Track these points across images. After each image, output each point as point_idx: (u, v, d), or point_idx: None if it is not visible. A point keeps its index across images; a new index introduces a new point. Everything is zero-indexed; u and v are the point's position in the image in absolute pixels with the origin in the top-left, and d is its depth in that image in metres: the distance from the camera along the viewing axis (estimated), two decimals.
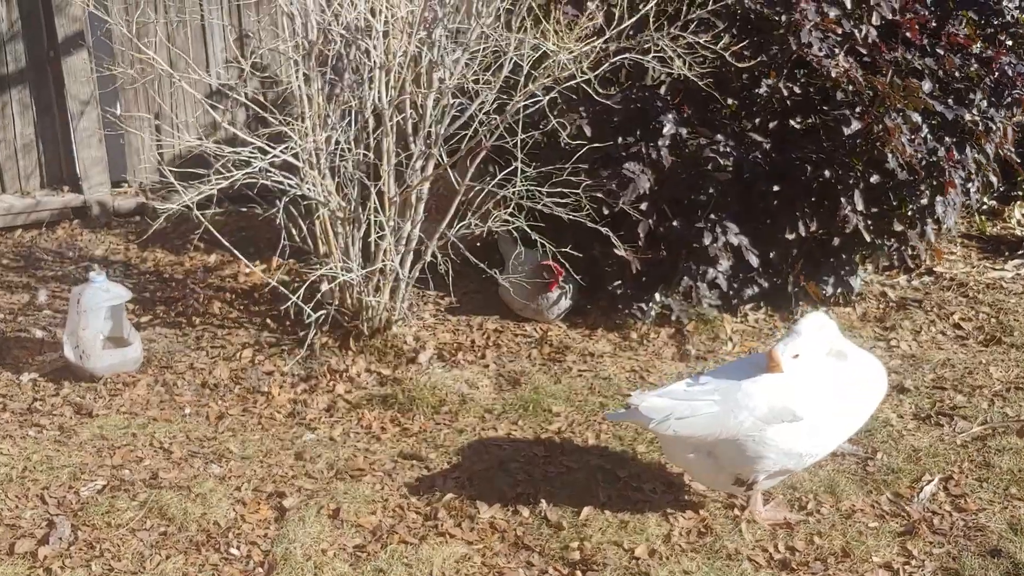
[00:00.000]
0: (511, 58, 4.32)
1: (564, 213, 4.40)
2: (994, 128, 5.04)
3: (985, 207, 6.26)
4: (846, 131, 4.59)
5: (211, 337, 4.87)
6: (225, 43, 6.24)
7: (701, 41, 4.28)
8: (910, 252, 5.22)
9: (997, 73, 4.95)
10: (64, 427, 4.13)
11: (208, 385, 4.49)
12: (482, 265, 4.71)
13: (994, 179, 5.24)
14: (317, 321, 4.50)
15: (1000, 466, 3.80)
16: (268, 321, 4.99)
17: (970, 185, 5.17)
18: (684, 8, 4.51)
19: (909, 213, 5.06)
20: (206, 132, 6.26)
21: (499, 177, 4.57)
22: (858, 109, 4.68)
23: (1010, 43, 5.35)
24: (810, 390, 3.32)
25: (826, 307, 5.18)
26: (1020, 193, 6.34)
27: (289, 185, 4.34)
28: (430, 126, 4.54)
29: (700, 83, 4.41)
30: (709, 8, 4.50)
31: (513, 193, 4.50)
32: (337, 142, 4.48)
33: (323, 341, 4.75)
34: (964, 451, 3.91)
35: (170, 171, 4.83)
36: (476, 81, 4.44)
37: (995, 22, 5.31)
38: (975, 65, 5.00)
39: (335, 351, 4.74)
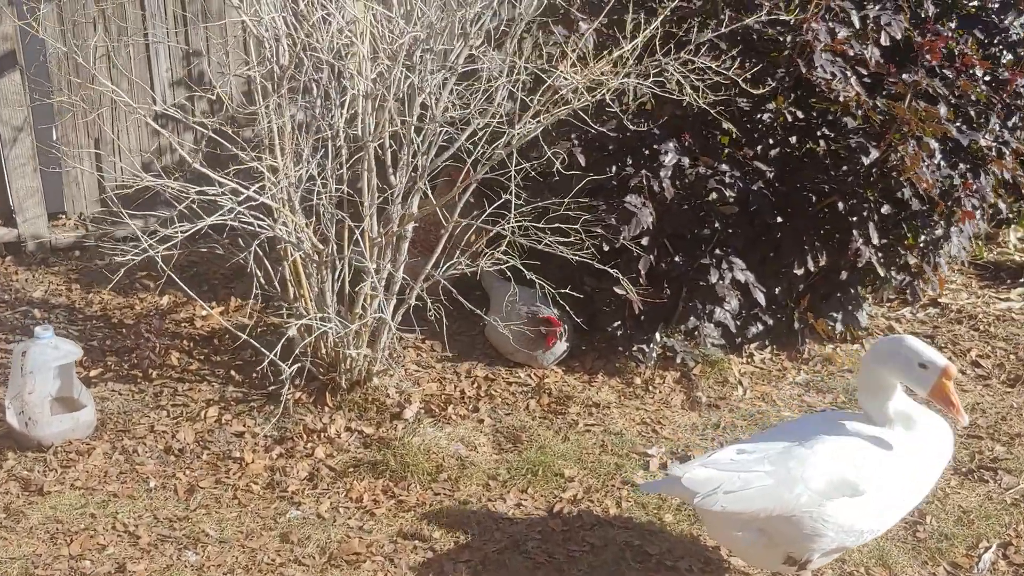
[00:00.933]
0: (505, 85, 3.91)
1: (567, 253, 3.99)
2: (1007, 153, 4.78)
3: (981, 232, 6.03)
4: (865, 160, 4.28)
5: (171, 393, 4.36)
6: (171, 63, 5.71)
7: (713, 67, 3.93)
8: (922, 285, 4.94)
9: (1012, 95, 4.68)
10: (10, 508, 3.60)
11: (173, 451, 3.99)
12: (476, 310, 4.29)
13: (1003, 206, 4.99)
14: (290, 376, 4.03)
15: None
16: (232, 373, 4.50)
17: (977, 212, 4.91)
18: (692, 32, 4.16)
19: (921, 244, 4.77)
20: (148, 159, 5.75)
21: (489, 211, 4.16)
22: (873, 138, 4.37)
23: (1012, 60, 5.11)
24: (873, 460, 2.97)
25: (834, 345, 4.87)
26: (1012, 216, 6.12)
27: (261, 227, 3.86)
28: (414, 157, 4.11)
29: (712, 111, 4.05)
30: (715, 32, 4.15)
31: (506, 229, 4.08)
32: (312, 177, 4.02)
33: (296, 396, 4.28)
34: (1017, 511, 3.61)
35: (116, 202, 4.34)
36: (465, 107, 4.03)
37: (997, 41, 5.06)
38: (983, 87, 4.74)
39: (310, 407, 4.28)
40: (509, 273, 4.16)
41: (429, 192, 4.28)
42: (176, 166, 5.60)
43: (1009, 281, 5.61)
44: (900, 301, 5.32)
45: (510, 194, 3.98)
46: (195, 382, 4.44)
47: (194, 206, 3.56)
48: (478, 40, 4.07)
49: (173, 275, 4.05)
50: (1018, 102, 4.76)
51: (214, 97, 5.07)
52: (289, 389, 4.14)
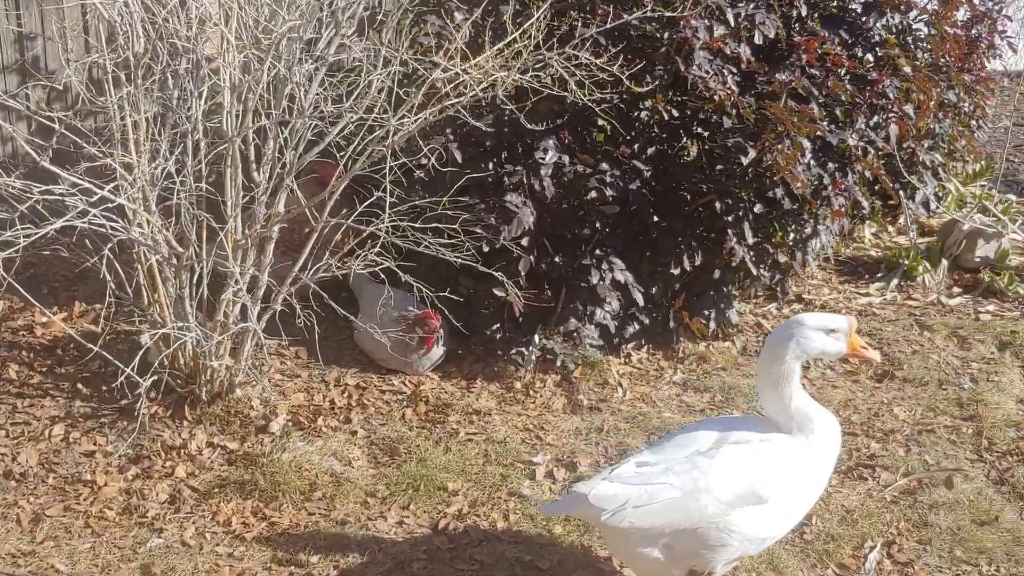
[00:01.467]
0: (380, 77, 3.69)
1: (449, 255, 3.80)
2: (871, 151, 4.88)
3: (845, 229, 6.17)
4: (743, 160, 4.26)
5: (9, 411, 3.95)
6: (2, 47, 5.20)
7: (597, 63, 3.81)
8: (790, 283, 4.99)
9: (878, 96, 4.77)
10: None
11: (14, 476, 3.60)
12: (347, 315, 4.05)
13: (866, 204, 5.10)
14: (146, 389, 3.70)
15: (938, 524, 3.56)
16: (79, 386, 4.12)
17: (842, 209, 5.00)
18: (575, 26, 4.04)
19: (791, 242, 4.82)
20: None
21: (360, 209, 3.92)
22: (750, 137, 4.36)
23: (872, 60, 5.22)
24: (776, 466, 2.91)
25: (707, 343, 4.86)
26: (867, 213, 6.30)
27: (114, 229, 3.51)
28: (281, 153, 3.84)
29: (594, 107, 3.93)
30: (600, 29, 4.04)
31: (380, 229, 3.86)
32: (169, 175, 3.70)
33: (152, 410, 3.95)
34: (897, 508, 3.65)
35: None
36: (337, 100, 3.79)
37: (860, 42, 5.16)
38: (849, 87, 4.81)
39: (167, 422, 3.96)
40: (382, 275, 3.95)
41: (297, 190, 4.02)
42: (9, 159, 5.10)
43: (867, 276, 5.75)
44: (765, 298, 5.38)
45: (383, 191, 3.76)
46: (37, 397, 4.03)
47: (39, 206, 3.20)
48: (350, 28, 3.83)
49: (7, 277, 3.66)
50: (883, 102, 4.85)
51: (60, 87, 4.62)
52: (144, 403, 3.81)
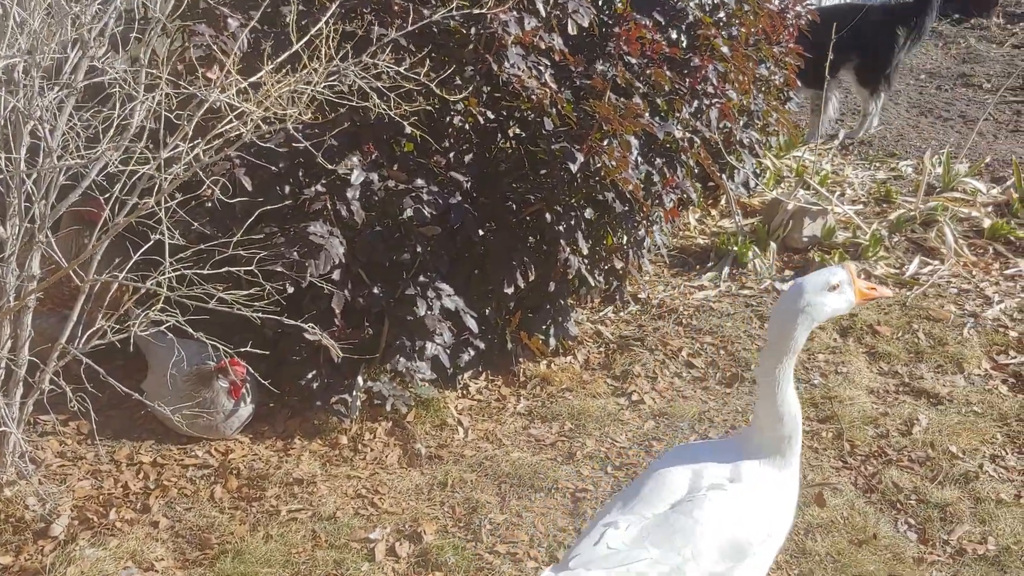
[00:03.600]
0: (144, 102, 3.06)
1: (246, 311, 3.22)
2: (698, 142, 4.60)
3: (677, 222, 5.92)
4: (572, 166, 3.86)
5: None
6: None
7: (401, 71, 3.31)
8: (627, 287, 4.67)
9: (700, 81, 4.48)
10: None
11: None
12: (131, 393, 3.40)
13: (694, 195, 4.83)
14: None
15: (817, 552, 3.29)
16: None
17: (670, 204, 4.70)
18: (372, 29, 3.51)
19: (625, 245, 4.48)
20: None
21: (136, 258, 3.28)
22: (576, 140, 3.97)
23: (686, 41, 4.94)
24: (755, 512, 2.52)
25: (547, 360, 4.48)
26: (687, 197, 6.08)
27: None
28: (29, 203, 3.15)
29: (404, 121, 3.42)
30: (401, 32, 3.53)
31: (162, 283, 3.23)
32: None
33: None
34: None
35: None
36: (93, 137, 3.13)
37: (676, 23, 4.86)
38: (669, 74, 4.49)
39: None
40: (168, 331, 3.34)
41: (54, 245, 3.33)
42: None
43: (698, 267, 5.52)
44: (601, 301, 5.05)
45: (161, 235, 3.13)
46: None
47: None
48: (101, 48, 3.17)
49: None
50: (705, 87, 4.57)
51: None
52: None
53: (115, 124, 3.05)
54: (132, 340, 3.67)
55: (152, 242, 3.16)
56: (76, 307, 3.30)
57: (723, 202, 6.20)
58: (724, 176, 5.70)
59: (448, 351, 4.04)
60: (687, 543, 2.43)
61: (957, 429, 3.97)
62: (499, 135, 4.23)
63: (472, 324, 4.05)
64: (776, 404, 2.55)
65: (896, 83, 8.31)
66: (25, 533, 3.30)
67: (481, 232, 4.12)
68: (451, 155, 4.11)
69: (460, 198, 4.02)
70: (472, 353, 4.25)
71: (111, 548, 3.23)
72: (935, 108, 8.40)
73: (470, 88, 3.89)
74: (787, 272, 5.42)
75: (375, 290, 3.90)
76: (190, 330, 3.26)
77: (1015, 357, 4.50)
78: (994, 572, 3.20)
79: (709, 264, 5.51)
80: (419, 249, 3.91)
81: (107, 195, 3.14)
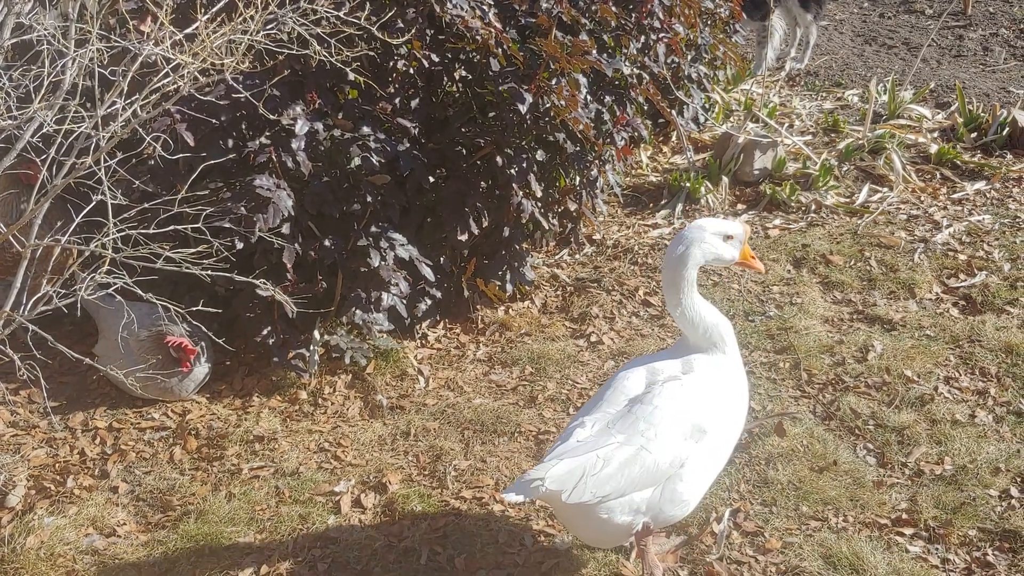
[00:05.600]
0: (76, 59, 2.94)
1: (195, 268, 3.14)
2: (646, 78, 4.55)
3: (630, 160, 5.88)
4: (521, 108, 3.80)
5: None
6: None
7: (340, 15, 3.21)
8: (582, 228, 4.64)
9: (647, 15, 4.42)
10: None
11: None
12: (78, 356, 3.32)
13: (644, 132, 4.78)
14: None
15: (779, 480, 3.33)
16: None
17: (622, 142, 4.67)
18: None
19: (577, 186, 4.45)
20: None
21: (78, 220, 3.18)
22: (524, 80, 3.90)
23: None
24: (708, 391, 2.79)
25: (505, 306, 4.45)
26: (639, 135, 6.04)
27: None
28: None
29: (345, 66, 3.34)
30: None
31: (106, 245, 3.14)
32: None
33: None
34: (734, 469, 3.40)
35: None
36: (24, 96, 3.01)
37: None
38: (615, 8, 4.43)
39: None
40: (116, 294, 3.26)
41: None
42: None
43: (651, 205, 5.51)
44: (556, 244, 5.02)
45: (102, 194, 3.03)
46: None
47: None
48: (27, 3, 3.04)
49: None
50: (652, 21, 4.52)
51: None
52: None
53: (47, 82, 2.94)
54: (79, 304, 3.59)
55: (94, 203, 3.06)
56: (19, 273, 3.20)
57: (674, 138, 6.18)
58: (674, 112, 5.67)
59: (404, 301, 4.00)
60: (650, 426, 2.66)
61: (911, 353, 4.02)
62: (445, 78, 4.15)
63: (428, 273, 4.00)
64: (695, 326, 2.86)
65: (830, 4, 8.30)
66: None
67: (432, 179, 4.06)
68: (397, 101, 4.02)
69: (408, 145, 3.95)
70: (429, 302, 4.21)
71: (71, 516, 3.18)
72: (879, 36, 8.41)
73: (412, 31, 3.80)
74: (739, 206, 5.43)
75: (327, 242, 3.83)
76: (139, 291, 3.18)
77: (964, 280, 4.56)
78: (951, 491, 3.26)
79: (663, 201, 5.50)
80: (369, 199, 3.84)
81: (43, 156, 3.03)
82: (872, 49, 8.10)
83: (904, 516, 3.17)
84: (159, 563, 3.00)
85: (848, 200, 5.39)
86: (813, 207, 5.30)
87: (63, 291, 3.19)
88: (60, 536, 3.06)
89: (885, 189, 5.48)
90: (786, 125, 6.27)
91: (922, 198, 5.38)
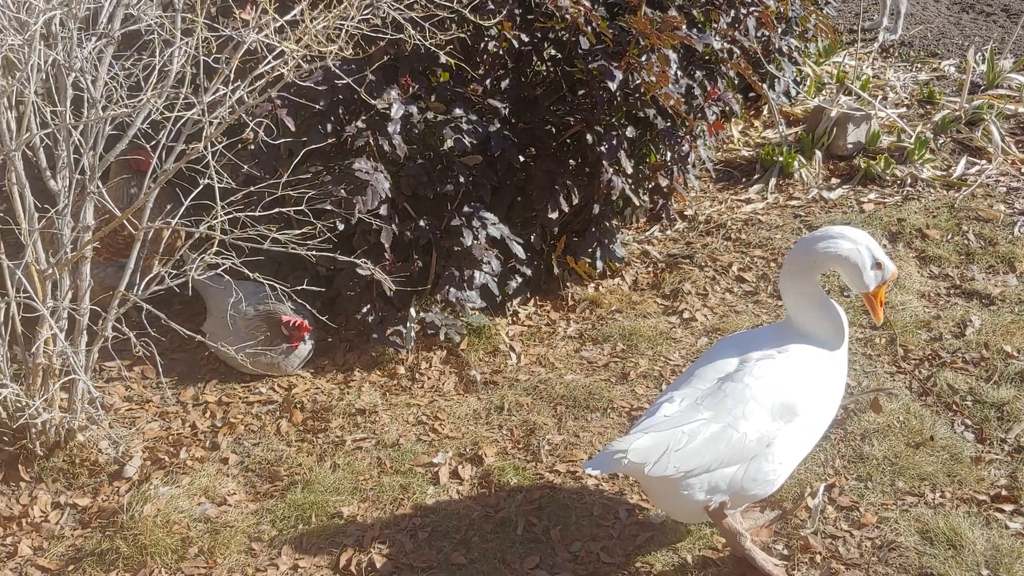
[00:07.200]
0: (183, 47, 3.07)
1: (300, 249, 3.26)
2: (737, 52, 4.53)
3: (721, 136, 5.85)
4: (611, 85, 3.83)
5: None
6: None
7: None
8: (673, 204, 4.65)
9: None
10: None
11: None
12: (191, 333, 3.47)
13: (736, 107, 4.76)
14: None
15: (874, 456, 3.32)
16: None
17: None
18: None
19: (668, 162, 4.46)
20: None
21: (187, 204, 3.32)
22: (613, 58, 3.92)
23: None
24: (802, 373, 2.76)
25: (595, 283, 4.50)
26: (730, 109, 6.00)
27: None
28: (78, 156, 3.20)
29: (439, 50, 3.42)
30: None
31: (215, 228, 3.27)
32: None
33: None
34: (829, 444, 3.39)
35: None
36: (135, 85, 3.16)
37: None
38: None
39: (0, 488, 3.35)
40: (224, 273, 3.40)
41: (105, 195, 3.38)
42: None
43: (744, 180, 5.47)
44: (647, 220, 5.04)
45: (209, 178, 3.17)
46: None
47: None
48: None
49: None
50: None
51: None
52: None
53: (156, 71, 3.08)
54: (190, 284, 3.76)
55: (202, 187, 3.20)
56: (132, 255, 3.37)
57: (765, 112, 6.11)
58: (765, 86, 5.61)
59: (496, 279, 4.08)
60: (738, 404, 2.65)
61: (1011, 328, 3.94)
62: (535, 58, 4.19)
63: (518, 251, 4.07)
64: (806, 322, 2.82)
65: None
66: (100, 476, 3.42)
67: (522, 158, 4.12)
68: (487, 82, 4.09)
69: (499, 125, 4.02)
70: (520, 280, 4.28)
71: (184, 486, 3.34)
72: (976, 3, 8.15)
73: (503, 12, 3.86)
74: (833, 180, 5.36)
75: (421, 222, 3.93)
76: (246, 271, 3.32)
77: None
78: None
79: (755, 176, 5.46)
80: (462, 179, 3.92)
81: (153, 143, 3.18)
82: (969, 17, 7.86)
83: (1004, 492, 3.14)
84: (268, 530, 3.14)
85: (944, 173, 5.28)
86: (909, 181, 5.21)
87: (174, 271, 3.35)
88: (174, 505, 3.22)
89: (983, 162, 5.35)
90: (880, 97, 6.15)
91: (1022, 170, 5.24)
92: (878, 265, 2.78)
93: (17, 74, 2.94)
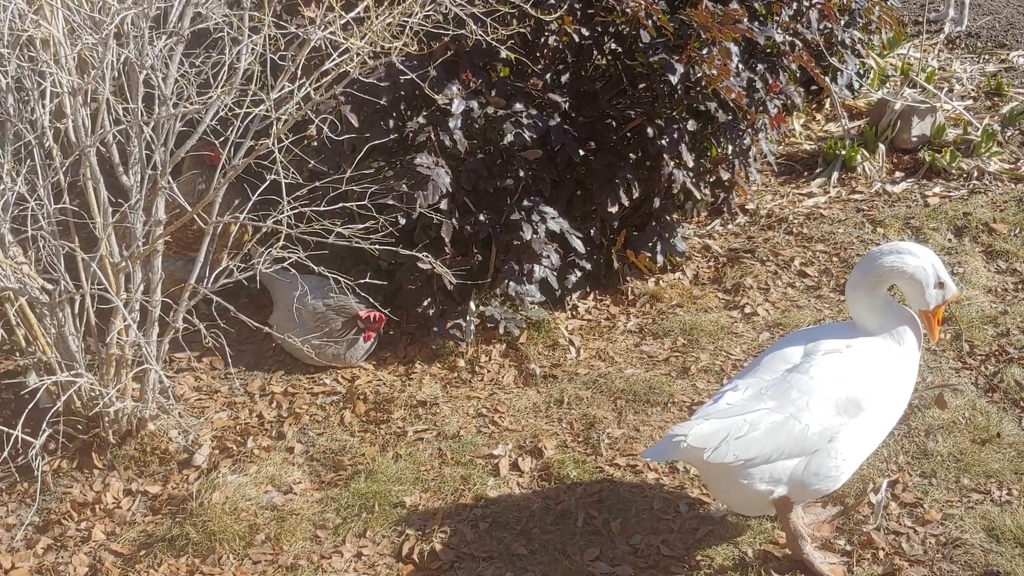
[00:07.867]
0: (250, 45, 3.14)
1: (364, 244, 3.32)
2: (799, 45, 4.49)
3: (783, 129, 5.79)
4: (672, 78, 3.82)
5: None
6: None
7: None
8: (735, 198, 4.63)
9: None
10: None
11: None
12: (258, 325, 3.55)
13: (798, 100, 4.72)
14: (43, 446, 3.20)
15: (939, 452, 3.28)
16: None
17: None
18: None
19: (730, 155, 4.44)
20: None
21: (255, 199, 3.40)
22: (674, 51, 3.92)
23: None
24: (869, 369, 2.75)
25: (655, 277, 4.49)
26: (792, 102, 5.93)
27: None
28: (149, 152, 3.29)
29: (501, 45, 3.44)
30: None
31: (281, 222, 3.34)
32: (21, 198, 3.14)
33: (55, 465, 3.45)
34: (893, 440, 3.36)
35: None
36: (204, 83, 3.24)
37: None
38: None
39: (74, 475, 3.48)
40: (290, 268, 3.48)
41: (176, 190, 3.47)
42: None
43: (806, 173, 5.42)
44: (708, 214, 5.02)
45: (276, 174, 3.23)
46: None
47: None
48: None
49: None
50: None
51: None
52: (42, 457, 3.31)
53: (224, 68, 3.15)
54: (257, 277, 3.84)
55: (268, 182, 3.27)
56: (202, 249, 3.45)
57: (828, 106, 6.04)
58: (828, 79, 5.55)
59: (555, 273, 4.10)
60: (803, 395, 2.65)
61: None
62: (595, 52, 4.21)
63: (578, 245, 4.09)
64: (874, 324, 2.82)
65: None
66: (170, 464, 3.51)
67: (582, 152, 4.14)
68: (547, 76, 4.11)
69: (559, 119, 4.04)
70: (579, 274, 4.29)
71: (251, 474, 3.42)
72: None
73: (563, 7, 3.88)
74: (897, 174, 5.29)
75: (481, 217, 3.97)
76: (312, 265, 3.38)
77: None
78: None
79: (817, 170, 5.40)
80: (521, 174, 3.95)
81: (221, 139, 3.25)
82: None
83: None
84: (332, 518, 3.21)
85: (1012, 166, 5.18)
86: (975, 174, 5.11)
87: (242, 265, 3.42)
88: (242, 493, 3.30)
89: None
90: (945, 90, 6.04)
91: None
92: (941, 284, 2.78)
93: (92, 72, 3.03)
